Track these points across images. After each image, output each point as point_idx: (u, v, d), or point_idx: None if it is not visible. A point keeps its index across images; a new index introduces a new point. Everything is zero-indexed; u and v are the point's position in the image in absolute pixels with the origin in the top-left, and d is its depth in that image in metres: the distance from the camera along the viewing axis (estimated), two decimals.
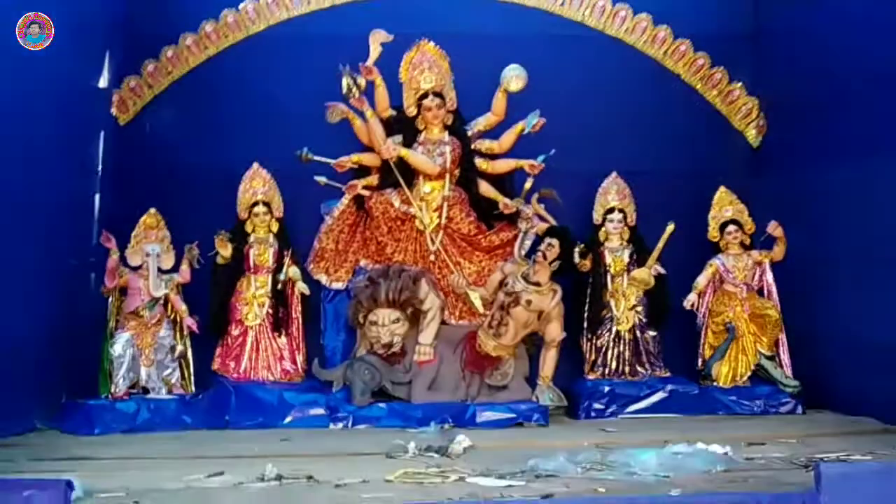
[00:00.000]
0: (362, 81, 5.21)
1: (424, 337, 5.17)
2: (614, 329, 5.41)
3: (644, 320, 5.44)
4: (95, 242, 5.27)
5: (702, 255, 5.55)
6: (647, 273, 5.39)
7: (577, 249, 5.36)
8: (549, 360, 5.25)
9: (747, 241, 5.53)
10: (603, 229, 5.51)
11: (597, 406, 5.16)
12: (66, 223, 5.13)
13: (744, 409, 5.20)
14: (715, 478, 3.37)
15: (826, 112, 5.27)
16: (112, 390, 4.88)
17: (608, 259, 5.47)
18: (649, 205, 5.59)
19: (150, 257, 5.02)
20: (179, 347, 5.07)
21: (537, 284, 5.03)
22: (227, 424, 4.83)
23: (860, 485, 2.80)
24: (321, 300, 5.45)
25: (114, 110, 5.69)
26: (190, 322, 5.07)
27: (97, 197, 5.56)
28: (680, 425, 4.71)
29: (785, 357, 5.41)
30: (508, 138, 5.44)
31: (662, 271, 5.45)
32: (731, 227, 5.50)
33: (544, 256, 5.05)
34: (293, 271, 5.23)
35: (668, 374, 5.38)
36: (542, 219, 5.41)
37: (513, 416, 4.86)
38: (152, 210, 5.17)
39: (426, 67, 5.32)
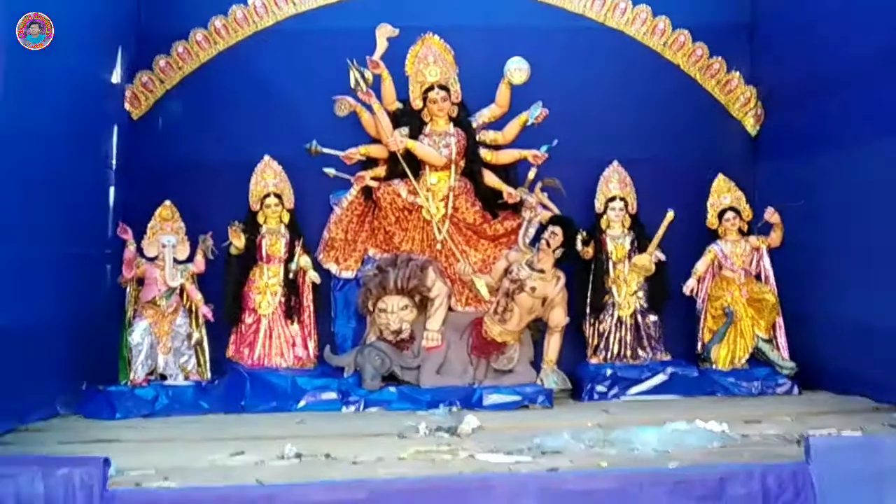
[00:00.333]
0: (369, 75, 5.29)
1: (432, 323, 5.28)
2: (616, 314, 5.47)
3: (645, 305, 5.51)
4: (111, 234, 5.35)
5: (701, 242, 5.63)
6: (648, 259, 5.46)
7: (579, 237, 5.41)
8: (552, 345, 5.35)
9: (745, 228, 5.61)
10: (605, 217, 5.58)
11: (599, 388, 5.25)
12: (83, 215, 5.20)
13: (742, 390, 5.30)
14: (711, 452, 3.52)
15: (822, 100, 5.33)
16: (131, 377, 4.99)
17: (610, 246, 5.54)
18: (650, 193, 5.65)
19: (166, 248, 5.13)
20: (195, 335, 5.17)
21: (541, 271, 5.14)
22: (242, 409, 4.93)
23: (847, 456, 2.95)
24: (331, 289, 5.55)
25: (127, 105, 5.74)
26: (205, 310, 5.18)
27: (112, 189, 5.61)
28: (680, 406, 4.81)
29: (782, 340, 5.50)
30: (512, 129, 5.51)
31: (663, 258, 5.52)
32: (730, 214, 5.58)
33: (548, 244, 5.15)
34: (304, 261, 5.33)
35: (668, 358, 5.46)
36: (545, 207, 5.46)
37: (518, 398, 4.96)
38: (167, 202, 5.27)
39: (431, 61, 5.39)
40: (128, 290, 5.21)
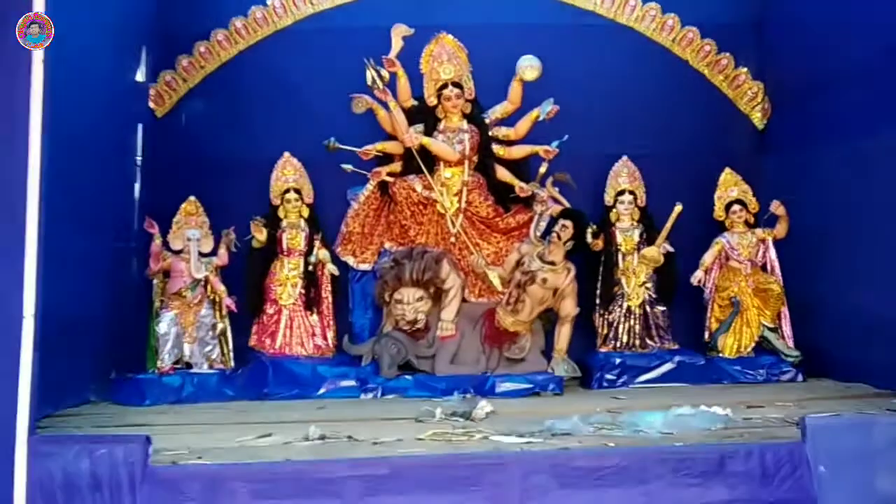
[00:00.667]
0: (385, 74, 5.40)
1: (446, 314, 5.40)
2: (625, 304, 5.55)
3: (653, 296, 5.58)
4: (137, 228, 5.48)
5: (708, 234, 5.71)
6: (657, 251, 5.55)
7: (589, 230, 5.50)
8: (563, 335, 5.43)
9: (751, 220, 5.67)
10: (614, 210, 5.66)
11: (609, 377, 5.32)
12: (111, 211, 5.35)
13: (748, 378, 5.37)
14: (714, 434, 3.64)
15: (827, 95, 5.40)
16: (158, 365, 5.12)
17: (619, 238, 5.62)
18: (658, 186, 5.72)
19: (191, 242, 5.24)
20: (219, 325, 5.29)
21: (552, 263, 5.25)
22: (265, 396, 5.05)
23: (841, 435, 3.10)
24: (349, 280, 5.65)
25: (151, 104, 5.85)
26: (229, 302, 5.30)
27: (137, 186, 5.75)
28: (687, 393, 4.83)
29: (787, 329, 5.56)
30: (524, 125, 5.59)
31: (671, 249, 5.60)
32: (736, 207, 5.65)
33: (559, 237, 5.25)
34: (323, 254, 5.45)
35: (676, 347, 5.53)
36: (556, 201, 5.52)
37: (530, 386, 5.05)
38: (192, 198, 5.38)
39: (445, 59, 5.49)
40: (154, 282, 5.34)
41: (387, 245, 5.67)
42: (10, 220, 3.30)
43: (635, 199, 5.69)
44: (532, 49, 5.51)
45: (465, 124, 5.59)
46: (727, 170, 5.80)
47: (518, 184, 5.58)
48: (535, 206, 5.52)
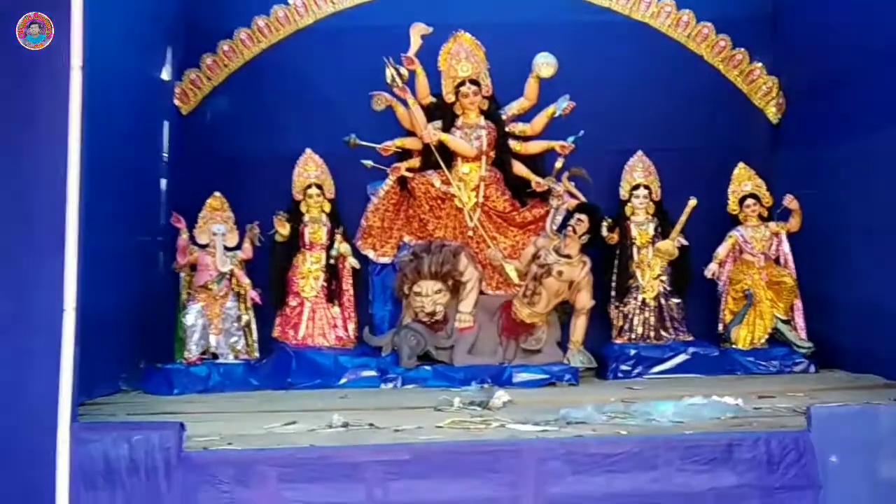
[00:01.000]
0: (404, 71, 5.49)
1: (464, 306, 5.50)
2: (640, 297, 5.62)
3: (668, 288, 5.65)
4: (164, 223, 5.61)
5: (722, 228, 5.76)
6: (671, 244, 5.61)
7: (604, 224, 5.52)
8: (579, 326, 5.49)
9: (765, 214, 5.72)
10: (629, 204, 5.72)
11: (623, 368, 5.40)
12: (139, 206, 5.48)
13: (760, 369, 5.44)
14: (724, 422, 3.74)
15: (842, 90, 5.43)
16: (185, 356, 5.25)
17: (634, 232, 5.68)
18: (673, 180, 5.78)
19: (217, 236, 5.35)
20: (244, 317, 5.41)
21: (568, 257, 5.33)
22: (289, 385, 5.18)
23: (846, 423, 3.19)
24: (369, 273, 5.74)
25: (176, 101, 5.94)
26: (253, 294, 5.42)
27: (164, 182, 5.88)
28: (700, 384, 4.90)
29: (800, 321, 5.62)
30: (540, 121, 5.66)
31: (685, 243, 5.65)
32: (750, 201, 5.70)
33: (574, 231, 5.32)
34: (344, 247, 5.54)
35: (690, 338, 5.59)
36: (572, 196, 5.58)
37: (546, 376, 5.14)
38: (217, 193, 5.48)
39: (463, 57, 5.58)
40: (181, 275, 5.47)
41: (406, 239, 5.77)
42: (53, 219, 3.43)
43: (650, 193, 5.75)
44: (548, 46, 5.58)
45: (482, 121, 5.69)
46: (741, 164, 5.84)
47: (534, 178, 5.66)
48: (551, 200, 5.58)
